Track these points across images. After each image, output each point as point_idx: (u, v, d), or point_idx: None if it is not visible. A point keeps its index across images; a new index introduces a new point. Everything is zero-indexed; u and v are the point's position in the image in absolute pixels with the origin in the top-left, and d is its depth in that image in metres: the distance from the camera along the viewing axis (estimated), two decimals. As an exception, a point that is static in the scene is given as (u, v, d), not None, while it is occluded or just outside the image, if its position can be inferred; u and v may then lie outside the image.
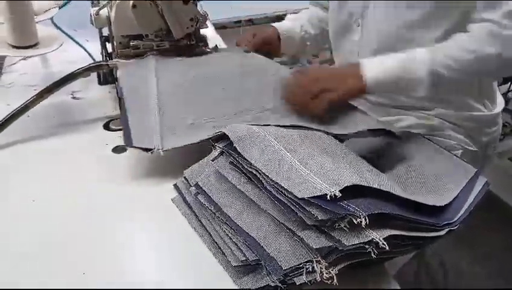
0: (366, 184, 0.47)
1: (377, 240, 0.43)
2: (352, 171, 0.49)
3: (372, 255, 0.44)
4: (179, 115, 0.69)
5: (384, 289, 0.51)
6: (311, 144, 0.56)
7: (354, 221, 0.43)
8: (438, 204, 0.51)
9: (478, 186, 0.58)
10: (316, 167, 0.50)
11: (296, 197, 0.47)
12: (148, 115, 0.69)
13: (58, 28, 0.94)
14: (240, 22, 1.56)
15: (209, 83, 0.76)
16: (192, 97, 0.73)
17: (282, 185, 0.48)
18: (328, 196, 0.45)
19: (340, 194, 0.45)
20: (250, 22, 1.56)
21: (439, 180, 0.58)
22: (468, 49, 0.66)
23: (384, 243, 0.43)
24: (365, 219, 0.43)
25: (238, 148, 0.55)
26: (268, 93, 0.74)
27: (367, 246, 0.44)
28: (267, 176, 0.50)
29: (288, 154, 0.52)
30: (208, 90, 0.75)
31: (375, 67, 0.69)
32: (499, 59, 0.65)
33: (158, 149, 0.63)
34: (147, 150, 0.63)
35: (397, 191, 0.49)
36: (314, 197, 0.45)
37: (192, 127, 0.67)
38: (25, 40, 0.84)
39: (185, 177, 0.62)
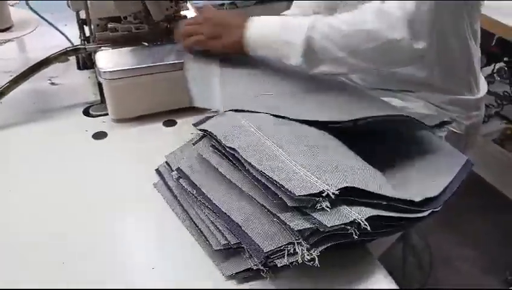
0: (350, 185, 0.45)
1: (359, 220, 0.43)
2: (340, 171, 0.47)
3: (354, 236, 0.43)
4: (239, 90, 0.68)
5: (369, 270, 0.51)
6: (300, 143, 0.53)
7: (330, 194, 0.43)
8: (418, 198, 0.49)
9: (460, 166, 0.58)
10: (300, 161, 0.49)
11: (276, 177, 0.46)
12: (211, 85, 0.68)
13: (33, 11, 0.90)
14: (223, 4, 1.53)
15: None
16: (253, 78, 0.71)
17: (262, 168, 0.47)
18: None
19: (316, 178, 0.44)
20: (234, 4, 1.53)
21: (425, 165, 0.57)
22: (349, 22, 0.62)
23: (366, 223, 0.43)
24: (337, 192, 0.43)
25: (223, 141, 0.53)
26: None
27: (348, 227, 0.43)
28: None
29: (274, 145, 0.51)
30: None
31: (259, 26, 0.68)
32: (378, 35, 0.60)
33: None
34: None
35: (383, 190, 0.47)
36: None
37: (253, 100, 0.64)
38: (-2, 24, 0.81)
39: (166, 162, 0.61)
